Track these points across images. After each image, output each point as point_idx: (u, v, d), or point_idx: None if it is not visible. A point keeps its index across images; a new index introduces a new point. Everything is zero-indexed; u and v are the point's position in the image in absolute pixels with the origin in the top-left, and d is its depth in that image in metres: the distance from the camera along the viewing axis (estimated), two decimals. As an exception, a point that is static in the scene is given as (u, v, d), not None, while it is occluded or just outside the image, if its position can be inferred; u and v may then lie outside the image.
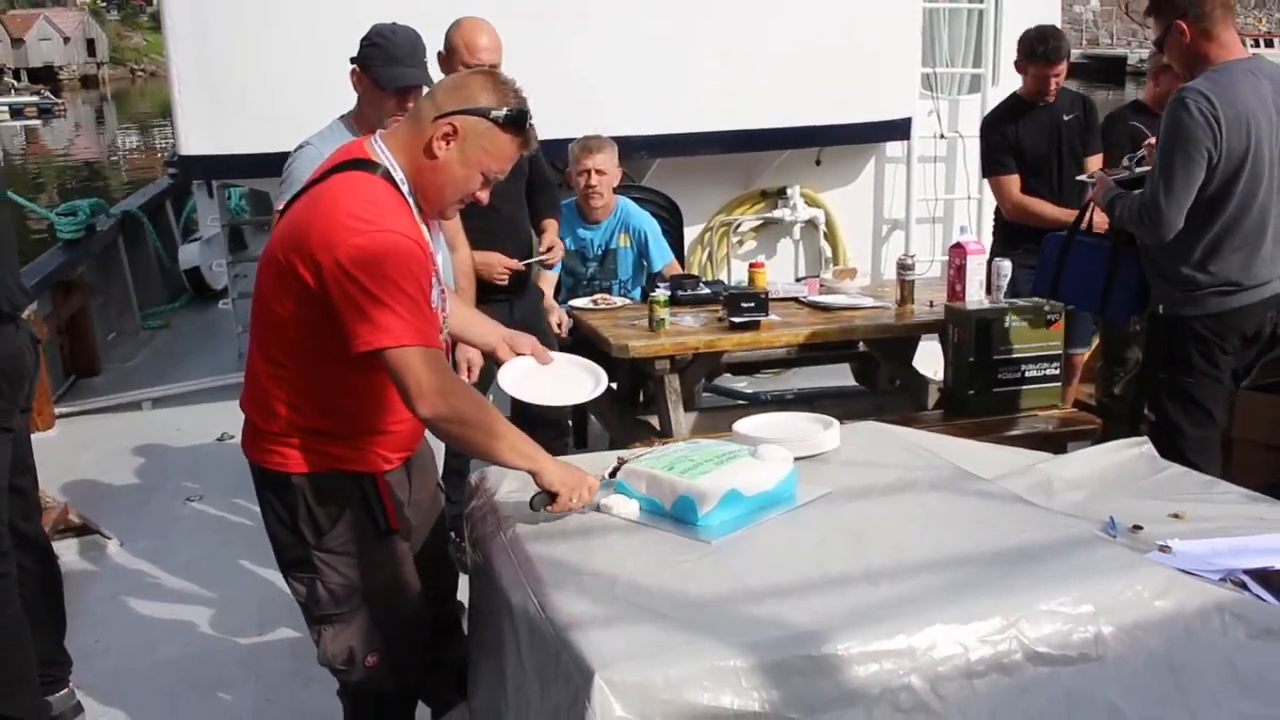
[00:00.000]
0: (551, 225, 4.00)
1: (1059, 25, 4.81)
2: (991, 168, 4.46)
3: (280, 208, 2.95)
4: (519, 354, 2.50)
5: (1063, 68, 4.37)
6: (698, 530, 2.06)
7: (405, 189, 2.12)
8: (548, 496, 2.12)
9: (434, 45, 3.09)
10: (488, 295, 3.54)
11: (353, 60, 3.05)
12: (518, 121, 2.11)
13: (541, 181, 4.04)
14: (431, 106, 2.13)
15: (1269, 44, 41.70)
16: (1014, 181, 4.38)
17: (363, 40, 3.05)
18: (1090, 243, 3.71)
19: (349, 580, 2.24)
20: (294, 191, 2.81)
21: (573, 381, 2.52)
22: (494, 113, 2.09)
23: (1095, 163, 4.55)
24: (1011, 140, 4.38)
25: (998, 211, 4.57)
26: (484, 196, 2.21)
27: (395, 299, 1.99)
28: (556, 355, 2.55)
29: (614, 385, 4.56)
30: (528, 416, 3.70)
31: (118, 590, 3.83)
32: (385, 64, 2.98)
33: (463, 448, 2.17)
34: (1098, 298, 3.64)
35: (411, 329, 2.00)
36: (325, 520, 2.21)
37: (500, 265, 3.68)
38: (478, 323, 2.58)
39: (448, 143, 2.10)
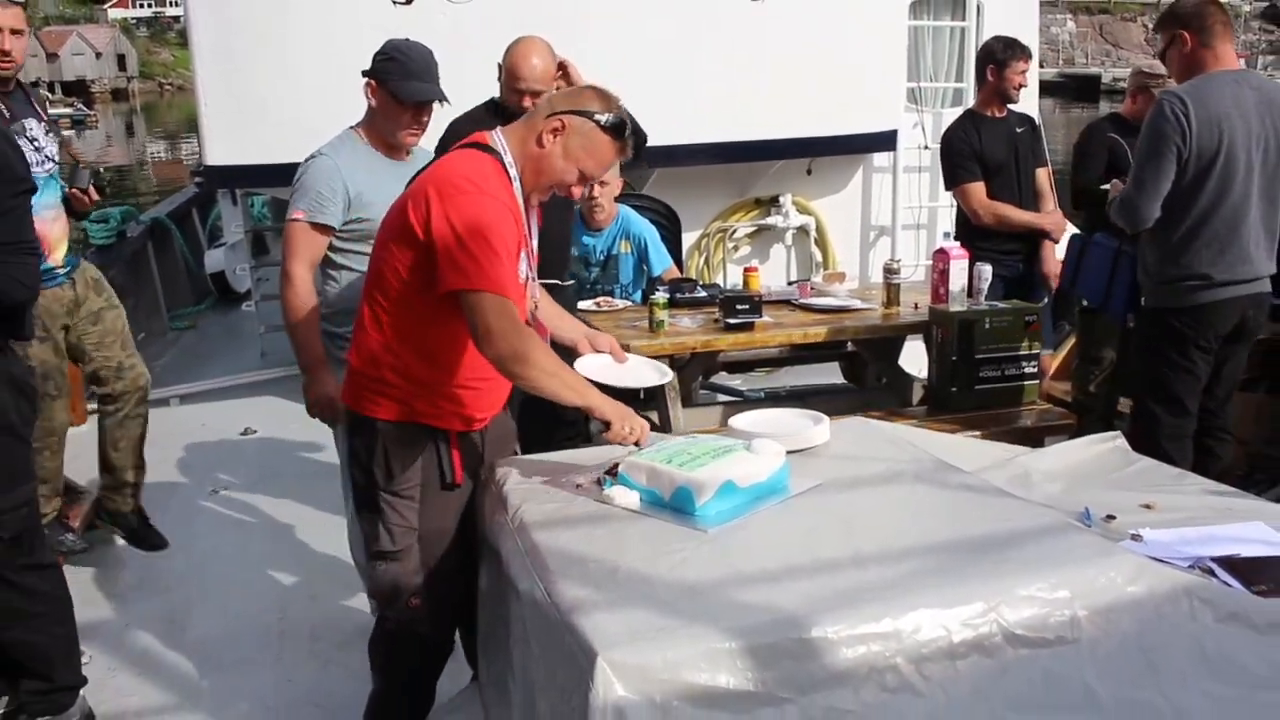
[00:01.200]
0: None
1: (1037, 45, 4.83)
2: (958, 177, 4.44)
3: (296, 215, 2.95)
4: (598, 351, 2.61)
5: (1031, 62, 4.41)
6: (695, 520, 2.06)
7: (513, 173, 2.28)
8: (604, 425, 2.30)
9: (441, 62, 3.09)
10: None
11: (366, 73, 3.01)
12: (617, 128, 2.28)
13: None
14: (547, 106, 2.32)
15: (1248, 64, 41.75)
16: (981, 189, 4.38)
17: (377, 55, 3.01)
18: (1104, 244, 3.81)
19: (407, 523, 2.34)
20: (305, 200, 2.89)
21: (642, 373, 2.64)
22: (598, 116, 2.26)
23: (1043, 175, 4.58)
24: (975, 149, 4.37)
25: (962, 219, 4.55)
26: (577, 192, 2.38)
27: (482, 250, 2.14)
28: (630, 355, 2.66)
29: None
30: (551, 416, 3.70)
31: (145, 577, 3.83)
32: (403, 78, 2.96)
33: (524, 385, 2.25)
34: (1102, 293, 3.79)
35: (489, 277, 2.15)
36: (397, 465, 2.33)
37: None
38: (565, 320, 2.71)
39: (555, 136, 2.26)
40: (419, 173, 2.45)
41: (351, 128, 3.09)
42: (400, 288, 2.25)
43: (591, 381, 2.41)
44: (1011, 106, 4.49)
